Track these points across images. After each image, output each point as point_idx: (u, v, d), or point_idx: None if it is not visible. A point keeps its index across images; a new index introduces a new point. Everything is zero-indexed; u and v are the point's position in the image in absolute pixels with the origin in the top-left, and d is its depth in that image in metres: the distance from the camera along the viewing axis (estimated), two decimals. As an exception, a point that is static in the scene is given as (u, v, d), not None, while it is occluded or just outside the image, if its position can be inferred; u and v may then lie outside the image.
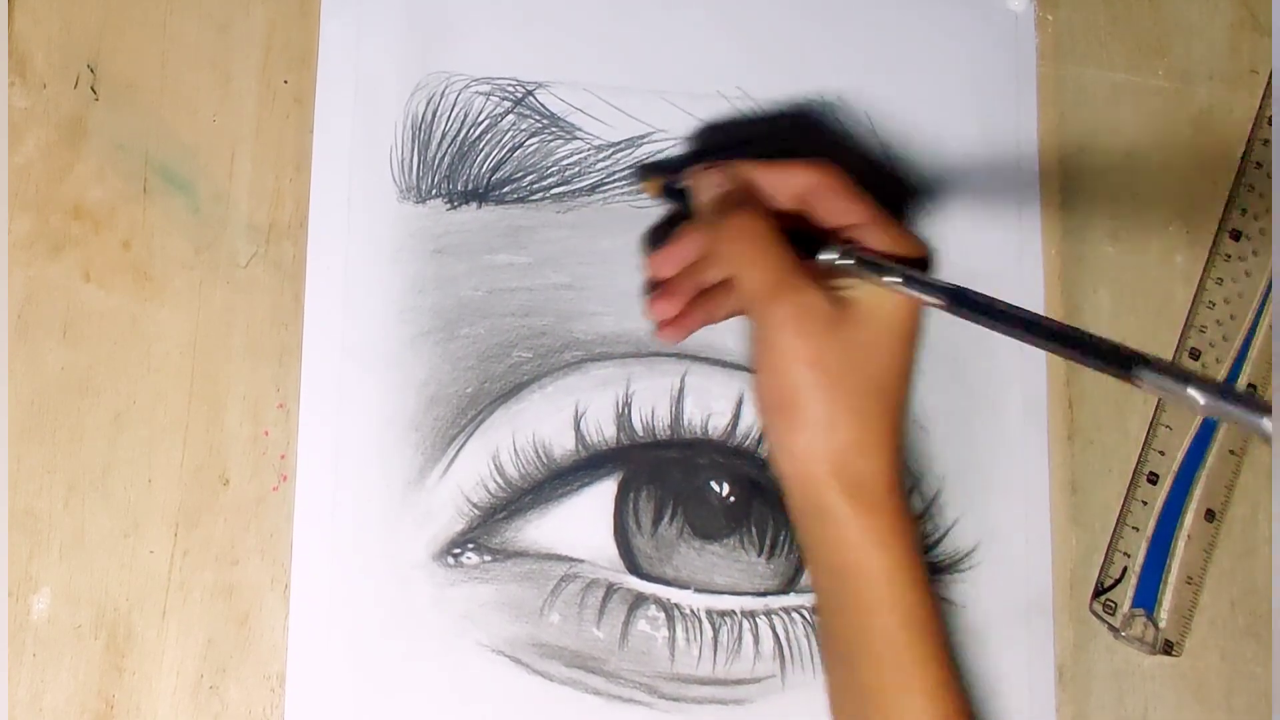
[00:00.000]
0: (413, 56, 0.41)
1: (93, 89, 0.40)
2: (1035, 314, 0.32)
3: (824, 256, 0.35)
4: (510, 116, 0.41)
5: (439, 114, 0.41)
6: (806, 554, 0.36)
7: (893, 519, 0.34)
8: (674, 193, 0.39)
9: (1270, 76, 0.47)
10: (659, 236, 0.41)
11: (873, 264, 0.34)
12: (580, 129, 0.42)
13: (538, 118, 0.42)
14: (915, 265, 0.34)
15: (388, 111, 0.41)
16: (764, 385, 0.34)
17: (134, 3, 0.41)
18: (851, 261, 0.34)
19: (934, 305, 0.33)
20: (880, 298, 0.34)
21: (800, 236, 0.35)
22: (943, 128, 0.44)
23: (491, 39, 0.42)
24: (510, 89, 0.42)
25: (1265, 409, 0.27)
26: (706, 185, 0.37)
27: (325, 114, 0.41)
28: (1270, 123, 0.47)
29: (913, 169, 0.44)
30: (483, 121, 0.41)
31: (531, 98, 0.42)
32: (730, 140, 0.43)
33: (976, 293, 0.32)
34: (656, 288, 0.40)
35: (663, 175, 0.40)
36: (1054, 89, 0.46)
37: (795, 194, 0.36)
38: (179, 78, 0.41)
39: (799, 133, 0.43)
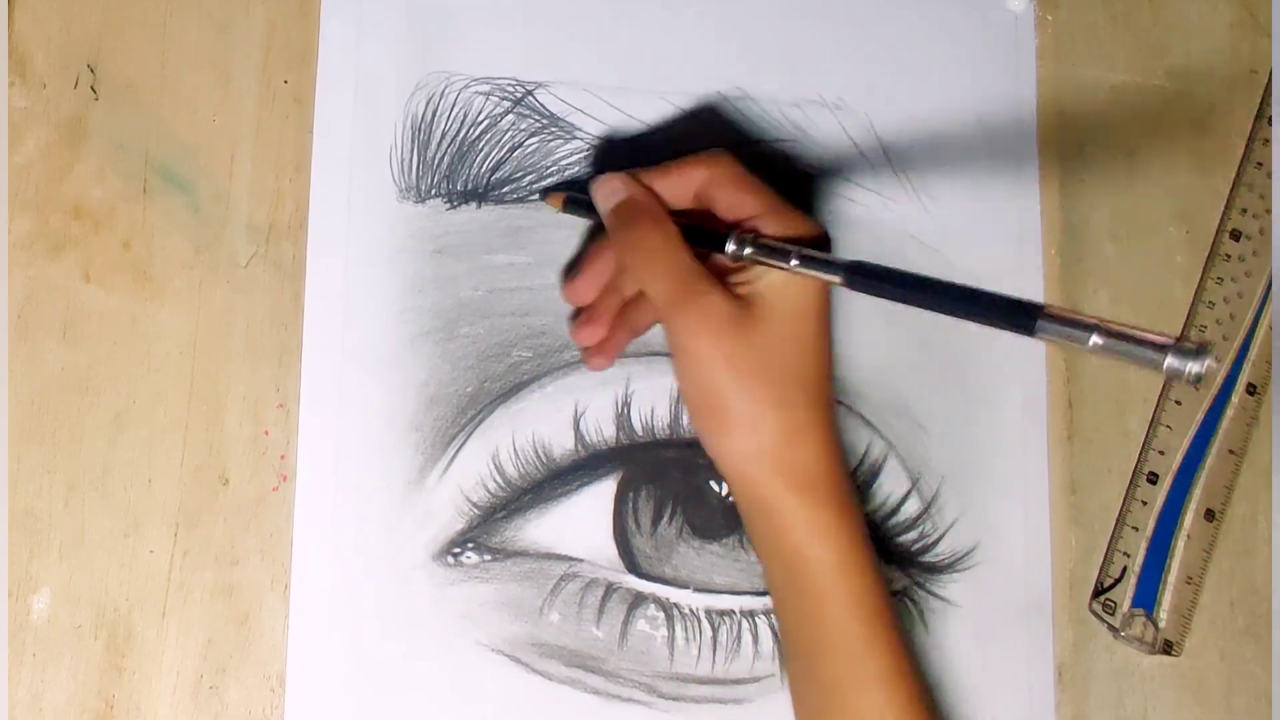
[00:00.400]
0: (413, 56, 0.41)
1: (93, 89, 0.40)
2: (932, 277, 0.32)
3: (728, 249, 0.35)
4: (510, 116, 0.41)
5: (439, 114, 0.41)
6: (757, 551, 0.36)
7: (837, 507, 0.34)
8: (579, 204, 0.39)
9: (1270, 76, 0.47)
10: (575, 268, 0.40)
11: (770, 250, 0.34)
12: (580, 129, 0.42)
13: (537, 118, 0.42)
14: (813, 246, 0.34)
15: (388, 111, 0.41)
16: (687, 392, 0.35)
17: (134, 3, 0.41)
18: (750, 251, 0.34)
19: (833, 282, 0.33)
20: (783, 288, 0.34)
21: (704, 234, 0.35)
22: (942, 128, 0.44)
23: (491, 39, 0.42)
24: (510, 89, 0.42)
25: (1163, 348, 0.27)
26: (606, 194, 0.37)
27: (325, 114, 0.41)
28: (1270, 123, 0.47)
29: (807, 154, 0.43)
30: (482, 121, 0.41)
31: (531, 98, 0.42)
32: (631, 147, 0.42)
33: (873, 264, 0.33)
34: (579, 315, 0.40)
35: (565, 190, 0.40)
36: (1054, 89, 0.46)
37: (694, 191, 0.37)
38: (179, 78, 0.41)
39: (696, 130, 0.43)
